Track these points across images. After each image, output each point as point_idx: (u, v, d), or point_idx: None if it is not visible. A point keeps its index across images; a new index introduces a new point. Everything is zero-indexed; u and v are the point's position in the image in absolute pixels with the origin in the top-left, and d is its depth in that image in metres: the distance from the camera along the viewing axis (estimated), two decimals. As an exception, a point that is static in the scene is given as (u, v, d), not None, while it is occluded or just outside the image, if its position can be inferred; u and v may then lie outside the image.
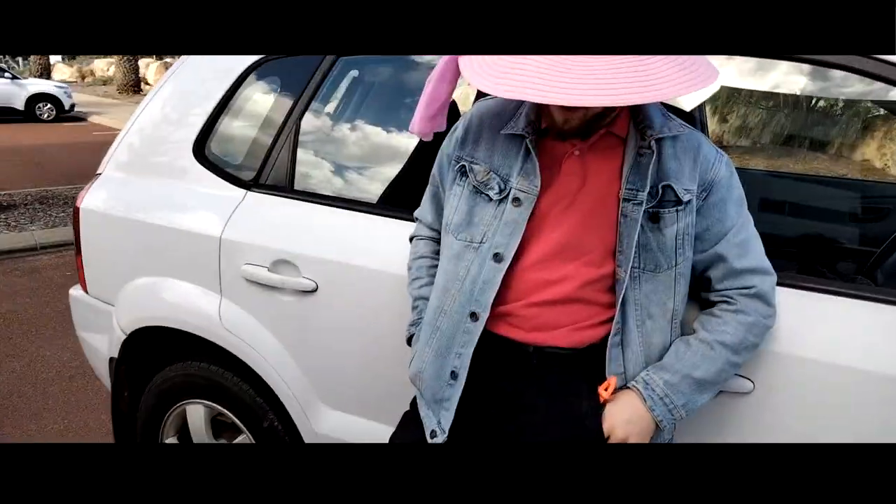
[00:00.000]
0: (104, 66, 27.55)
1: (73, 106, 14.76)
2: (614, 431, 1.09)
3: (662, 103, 1.16)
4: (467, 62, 1.00)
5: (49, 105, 14.26)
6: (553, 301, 1.12)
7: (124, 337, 1.90)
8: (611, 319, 1.13)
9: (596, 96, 0.86)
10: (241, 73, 1.80)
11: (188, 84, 1.89)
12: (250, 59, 1.79)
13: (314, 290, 1.58)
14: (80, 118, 14.81)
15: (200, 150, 1.82)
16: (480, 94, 1.37)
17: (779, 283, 1.17)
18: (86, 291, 2.04)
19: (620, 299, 1.10)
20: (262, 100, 1.83)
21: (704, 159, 1.11)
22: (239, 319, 1.70)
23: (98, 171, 2.00)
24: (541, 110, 1.14)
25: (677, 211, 1.09)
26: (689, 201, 1.09)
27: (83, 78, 28.14)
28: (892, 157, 8.64)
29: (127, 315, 1.89)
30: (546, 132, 1.14)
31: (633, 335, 1.12)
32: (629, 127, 1.12)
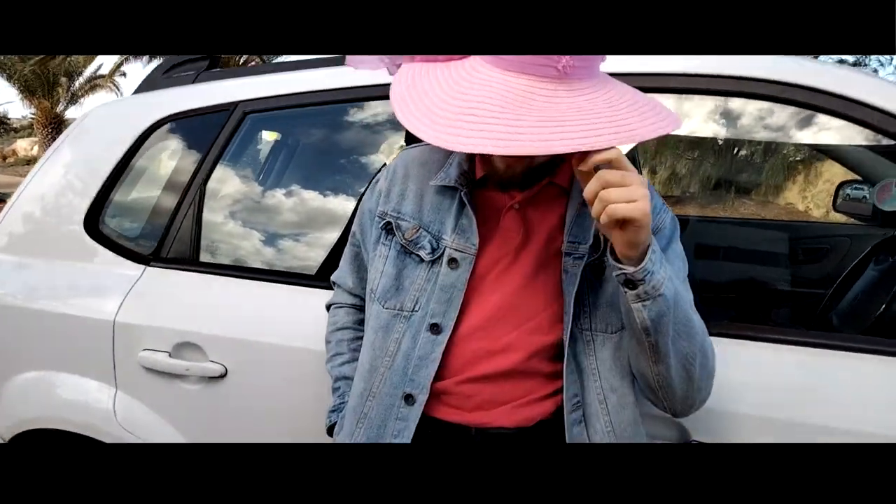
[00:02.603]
0: (27, 145, 26.71)
1: (-10, 187, 14.08)
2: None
3: None
4: (401, 94, 0.83)
5: (-37, 187, 13.56)
6: (495, 375, 0.96)
7: (3, 443, 1.63)
8: (560, 391, 0.97)
9: (564, 140, 0.73)
10: (140, 135, 1.62)
11: (77, 151, 1.70)
12: (149, 120, 1.62)
13: (223, 376, 1.37)
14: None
15: (94, 222, 1.61)
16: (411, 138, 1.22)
17: (752, 337, 1.10)
18: (-39, 392, 1.76)
19: (573, 367, 0.95)
20: (163, 163, 1.65)
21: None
22: (137, 414, 1.46)
23: (-24, 253, 1.76)
24: (476, 158, 1.00)
25: None
26: None
27: (4, 158, 27.16)
28: (813, 199, 9.05)
29: (6, 417, 1.62)
30: (481, 183, 1.00)
31: (595, 408, 0.95)
32: (572, 176, 0.99)
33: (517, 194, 0.98)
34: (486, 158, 0.96)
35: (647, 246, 0.79)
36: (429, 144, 1.08)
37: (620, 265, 0.81)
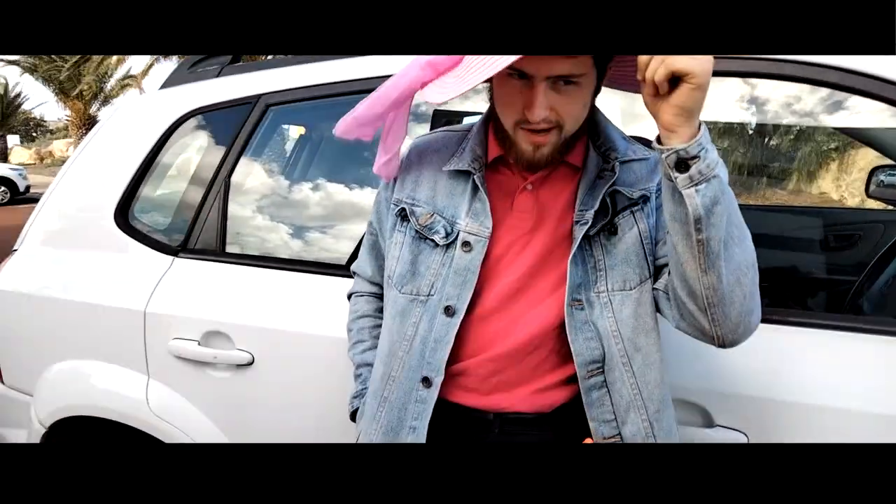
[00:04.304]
0: (63, 146, 27.38)
1: (28, 188, 14.47)
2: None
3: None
4: (435, 92, 0.88)
5: (2, 188, 13.94)
6: (512, 352, 0.96)
7: (44, 431, 1.68)
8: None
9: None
10: (166, 130, 1.66)
11: (106, 147, 1.74)
12: (175, 115, 1.66)
13: (250, 363, 1.40)
14: (36, 200, 14.42)
15: (124, 215, 1.65)
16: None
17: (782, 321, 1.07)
18: (1, 381, 1.82)
19: (592, 334, 0.94)
20: (189, 157, 1.69)
21: None
22: (168, 402, 1.50)
23: (14, 248, 1.82)
24: (489, 141, 1.01)
25: (633, 212, 0.95)
26: (641, 198, 0.95)
27: (42, 160, 27.91)
28: (848, 188, 8.83)
29: (45, 405, 1.67)
30: (493, 165, 1.01)
31: (619, 371, 0.94)
32: (586, 153, 0.99)
33: (529, 175, 0.98)
34: (507, 142, 0.95)
35: (699, 121, 0.76)
36: (441, 132, 1.09)
37: (671, 145, 0.75)
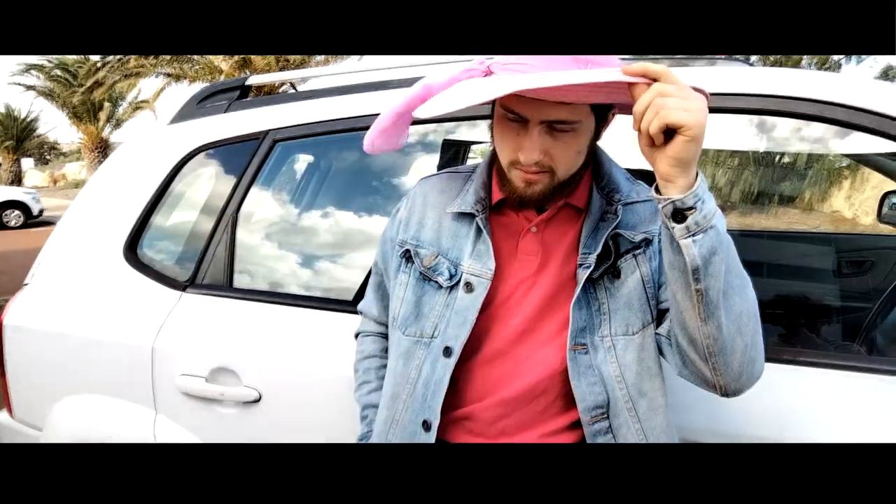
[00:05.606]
0: (77, 169, 27.74)
1: (41, 211, 14.63)
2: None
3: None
4: (422, 108, 0.85)
5: (16, 211, 14.09)
6: (518, 397, 0.95)
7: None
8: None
9: (587, 77, 0.75)
10: (175, 165, 1.68)
11: (116, 181, 1.76)
12: (184, 150, 1.67)
13: (257, 401, 1.39)
14: (50, 223, 14.64)
15: (133, 250, 1.66)
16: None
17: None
18: (11, 415, 1.82)
19: (596, 378, 0.92)
20: (197, 192, 1.70)
21: None
22: (176, 438, 1.50)
23: (25, 282, 1.83)
24: (493, 183, 1.01)
25: (635, 256, 0.94)
26: (643, 241, 0.94)
27: (55, 182, 28.27)
28: (861, 206, 8.76)
29: (54, 440, 1.67)
30: (498, 207, 1.00)
31: (624, 417, 0.93)
32: (590, 195, 0.99)
33: (534, 217, 0.98)
34: (506, 179, 0.95)
35: (695, 171, 0.75)
36: (446, 172, 1.09)
37: (667, 195, 0.75)
